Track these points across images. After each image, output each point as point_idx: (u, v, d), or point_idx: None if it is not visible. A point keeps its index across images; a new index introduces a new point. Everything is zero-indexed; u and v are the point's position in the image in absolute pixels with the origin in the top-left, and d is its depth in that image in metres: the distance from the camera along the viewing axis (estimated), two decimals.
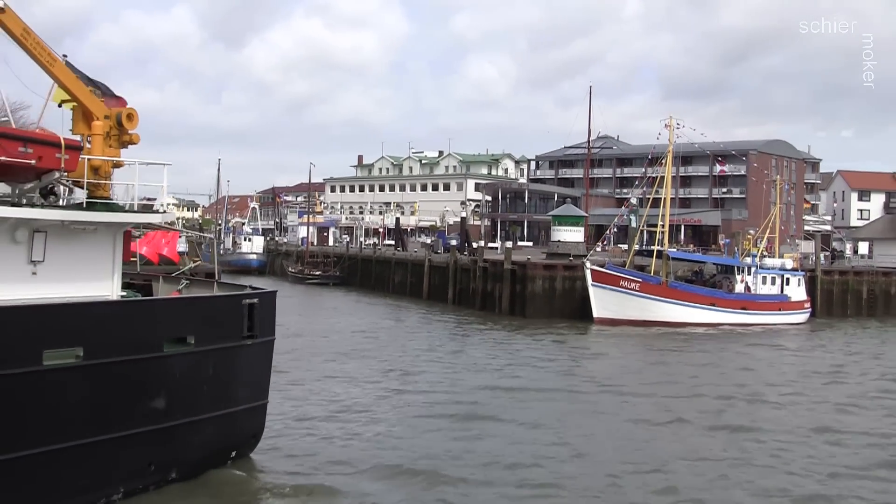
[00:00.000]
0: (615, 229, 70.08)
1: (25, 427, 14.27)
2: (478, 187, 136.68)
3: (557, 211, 71.65)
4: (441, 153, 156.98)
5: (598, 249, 66.05)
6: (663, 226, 57.66)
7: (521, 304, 57.30)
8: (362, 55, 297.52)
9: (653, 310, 54.61)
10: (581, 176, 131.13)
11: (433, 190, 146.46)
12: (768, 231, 63.26)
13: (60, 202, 16.70)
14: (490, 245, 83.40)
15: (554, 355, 40.75)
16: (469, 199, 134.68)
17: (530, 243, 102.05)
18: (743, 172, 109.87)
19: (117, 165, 17.53)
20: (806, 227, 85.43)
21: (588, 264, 54.51)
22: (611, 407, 28.07)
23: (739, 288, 58.27)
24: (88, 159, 16.43)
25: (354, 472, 19.34)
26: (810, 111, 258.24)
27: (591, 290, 54.04)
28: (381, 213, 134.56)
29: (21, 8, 15.62)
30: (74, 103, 16.99)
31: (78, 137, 16.95)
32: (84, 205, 16.25)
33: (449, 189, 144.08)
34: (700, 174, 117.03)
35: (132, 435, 16.04)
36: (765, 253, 62.61)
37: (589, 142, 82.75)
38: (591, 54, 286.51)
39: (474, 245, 71.13)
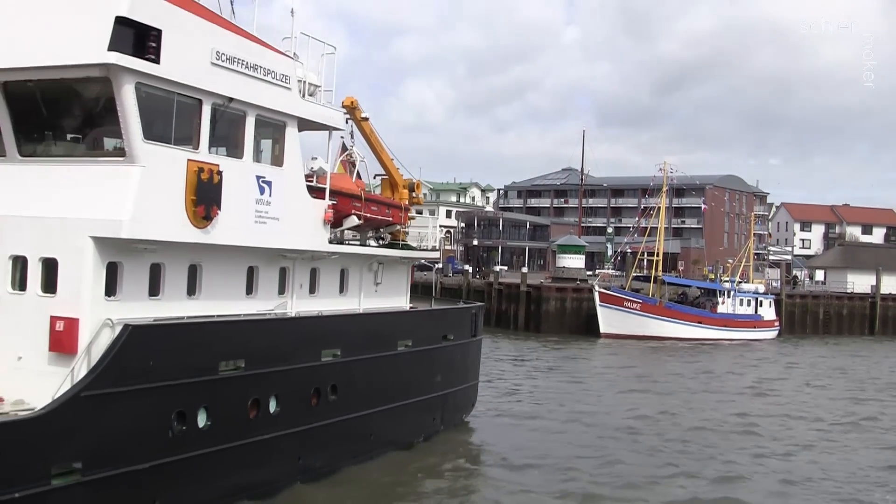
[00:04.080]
0: (619, 257, 78.98)
1: (390, 390, 22.11)
2: (449, 214, 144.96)
3: (561, 240, 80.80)
4: None
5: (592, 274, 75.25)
6: (657, 254, 67.16)
7: (535, 321, 65.85)
8: None
9: (651, 326, 63.81)
10: (548, 205, 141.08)
11: None
12: (744, 260, 73.38)
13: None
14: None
15: (596, 359, 49.77)
16: (441, 225, 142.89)
17: (505, 267, 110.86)
18: (699, 204, 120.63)
19: (411, 218, 25.66)
20: (771, 257, 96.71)
21: (597, 287, 63.52)
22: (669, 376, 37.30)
23: (723, 309, 67.98)
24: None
25: (535, 427, 27.62)
26: (740, 139, 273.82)
27: (599, 310, 62.97)
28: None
29: None
30: (385, 176, 25.15)
31: None
32: (400, 246, 24.25)
33: (421, 214, 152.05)
34: (653, 205, 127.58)
35: (428, 398, 24.01)
36: (739, 279, 72.58)
37: (582, 179, 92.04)
38: (528, 80, 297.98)
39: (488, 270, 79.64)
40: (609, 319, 62.86)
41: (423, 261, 30.40)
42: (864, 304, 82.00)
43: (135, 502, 14.71)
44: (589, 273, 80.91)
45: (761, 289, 72.23)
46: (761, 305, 70.57)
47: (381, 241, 23.90)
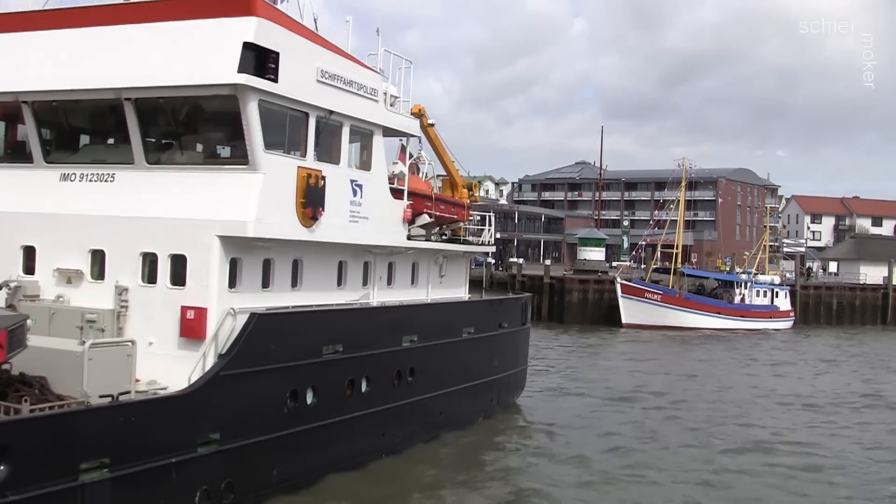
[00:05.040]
0: (639, 249, 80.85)
1: (456, 373, 24.12)
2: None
3: (582, 234, 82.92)
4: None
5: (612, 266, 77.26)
6: (676, 247, 69.17)
7: (559, 312, 67.84)
8: None
9: (671, 317, 65.79)
10: (561, 198, 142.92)
11: None
12: (760, 252, 75.40)
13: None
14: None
15: (622, 346, 51.89)
16: None
17: (521, 260, 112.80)
18: (711, 197, 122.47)
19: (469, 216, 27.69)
20: (785, 249, 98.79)
21: (619, 279, 65.54)
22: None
23: (738, 299, 70.04)
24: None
25: (579, 406, 29.67)
26: (746, 131, 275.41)
27: (621, 301, 64.97)
28: None
29: None
30: (446, 176, 27.17)
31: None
32: (461, 241, 26.29)
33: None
34: (671, 198, 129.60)
35: (487, 381, 26.05)
36: (756, 271, 74.61)
37: (601, 174, 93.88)
38: (534, 73, 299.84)
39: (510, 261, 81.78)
40: (631, 310, 64.84)
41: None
42: (876, 294, 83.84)
43: (258, 470, 16.73)
44: (607, 265, 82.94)
45: (777, 280, 74.29)
46: (777, 296, 72.68)
47: (443, 237, 25.87)
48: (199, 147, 18.45)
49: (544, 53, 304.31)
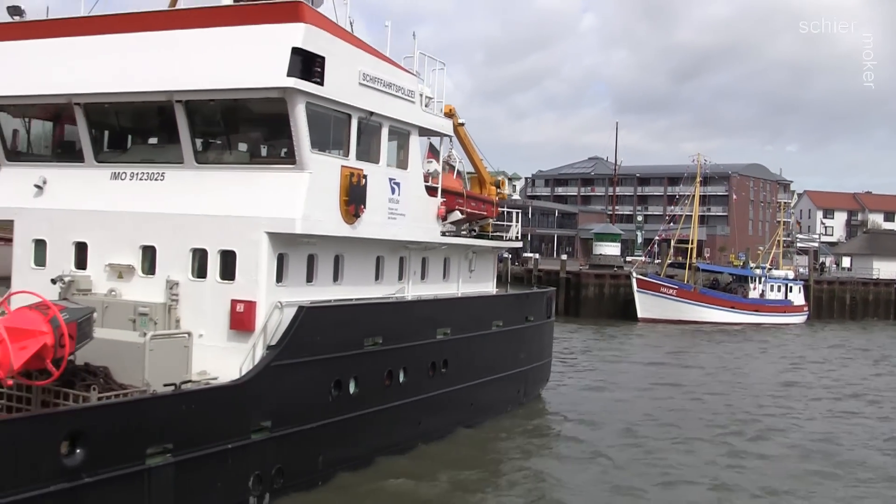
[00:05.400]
0: (654, 244, 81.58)
1: (486, 365, 24.84)
2: None
3: (598, 229, 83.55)
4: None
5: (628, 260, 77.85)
6: (691, 242, 69.76)
7: (574, 306, 68.51)
8: None
9: (686, 311, 66.44)
10: (574, 193, 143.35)
11: None
12: (774, 247, 75.97)
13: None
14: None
15: (640, 340, 52.62)
16: None
17: (536, 255, 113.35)
18: (723, 193, 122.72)
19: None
20: (798, 244, 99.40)
21: (635, 274, 66.18)
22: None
23: (754, 294, 70.64)
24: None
25: (603, 399, 30.38)
26: (757, 126, 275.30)
27: (637, 295, 65.63)
28: None
29: None
30: (474, 173, 27.84)
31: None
32: (489, 237, 27.00)
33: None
34: (685, 193, 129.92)
35: (515, 373, 26.79)
36: (770, 266, 75.21)
37: (616, 169, 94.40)
38: (545, 68, 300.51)
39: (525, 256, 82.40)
40: (646, 304, 65.52)
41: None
42: (889, 290, 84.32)
43: (306, 456, 17.46)
44: (622, 260, 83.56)
45: (791, 275, 74.86)
46: (791, 291, 73.27)
47: (472, 233, 26.58)
48: (246, 147, 19.16)
49: (555, 48, 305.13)
